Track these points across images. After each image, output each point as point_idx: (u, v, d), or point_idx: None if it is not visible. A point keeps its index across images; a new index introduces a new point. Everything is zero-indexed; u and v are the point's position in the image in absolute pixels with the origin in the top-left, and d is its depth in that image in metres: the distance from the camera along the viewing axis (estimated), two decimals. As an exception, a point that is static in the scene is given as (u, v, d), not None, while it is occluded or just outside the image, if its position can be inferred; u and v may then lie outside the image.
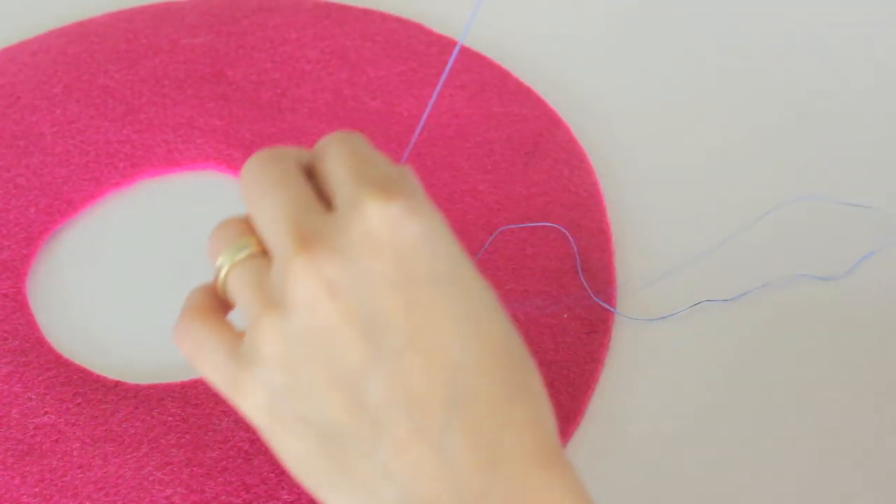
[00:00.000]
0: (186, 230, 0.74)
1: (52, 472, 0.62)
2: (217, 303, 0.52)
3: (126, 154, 0.76)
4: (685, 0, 0.84)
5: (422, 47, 0.80)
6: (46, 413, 0.64)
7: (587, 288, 0.67)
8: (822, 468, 0.61)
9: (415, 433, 0.45)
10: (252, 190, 0.50)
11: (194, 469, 0.61)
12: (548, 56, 0.81)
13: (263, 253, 0.49)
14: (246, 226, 0.51)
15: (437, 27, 0.82)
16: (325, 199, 0.49)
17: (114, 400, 0.65)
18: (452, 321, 0.46)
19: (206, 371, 0.50)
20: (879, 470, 0.61)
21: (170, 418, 0.64)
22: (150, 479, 0.61)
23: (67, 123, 0.78)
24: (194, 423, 0.63)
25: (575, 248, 0.69)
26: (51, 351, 0.68)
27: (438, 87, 0.64)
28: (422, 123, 0.66)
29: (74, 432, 0.64)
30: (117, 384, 0.66)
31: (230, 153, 0.76)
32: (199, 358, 0.50)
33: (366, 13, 0.83)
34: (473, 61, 0.79)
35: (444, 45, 0.81)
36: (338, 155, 0.49)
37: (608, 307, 0.67)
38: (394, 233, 0.46)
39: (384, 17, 0.82)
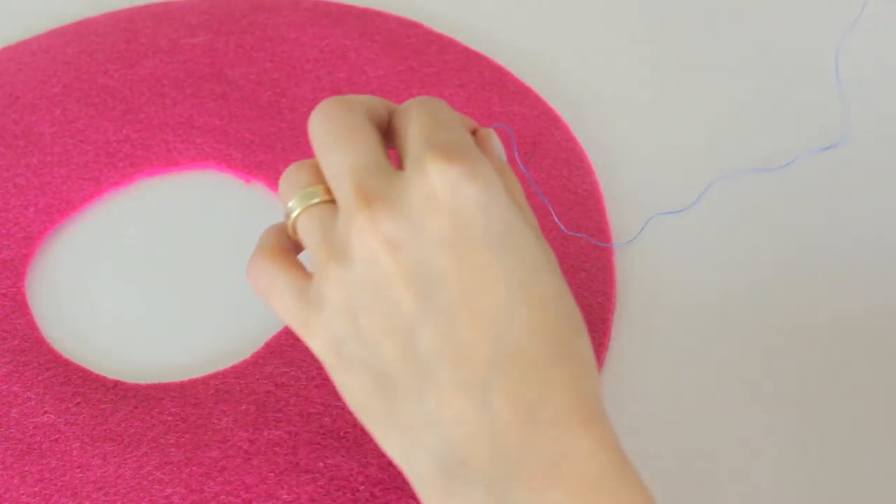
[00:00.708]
0: (186, 229, 0.74)
1: (51, 472, 0.62)
2: (289, 242, 0.55)
3: (125, 154, 0.76)
4: (684, 1, 0.83)
5: (421, 46, 0.80)
6: (46, 413, 0.64)
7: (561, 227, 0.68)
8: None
9: (459, 387, 0.48)
10: (322, 139, 0.53)
11: (193, 468, 0.61)
12: (547, 56, 0.80)
13: (331, 201, 0.53)
14: (316, 172, 0.54)
15: (437, 26, 0.82)
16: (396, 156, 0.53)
17: (113, 399, 0.65)
18: (502, 283, 0.48)
19: (278, 309, 0.54)
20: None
21: (169, 418, 0.64)
22: (150, 478, 0.61)
23: (67, 123, 0.78)
24: (193, 422, 0.63)
25: (516, 149, 0.70)
26: (50, 350, 0.68)
27: None
28: None
29: (74, 432, 0.64)
30: (117, 384, 0.66)
31: (229, 153, 0.76)
32: (271, 296, 0.54)
33: (365, 12, 0.83)
34: (473, 60, 0.79)
35: (443, 44, 0.81)
36: (416, 115, 0.52)
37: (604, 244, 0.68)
38: (452, 195, 0.49)
39: (383, 17, 0.82)
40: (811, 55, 0.79)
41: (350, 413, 0.62)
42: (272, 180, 0.74)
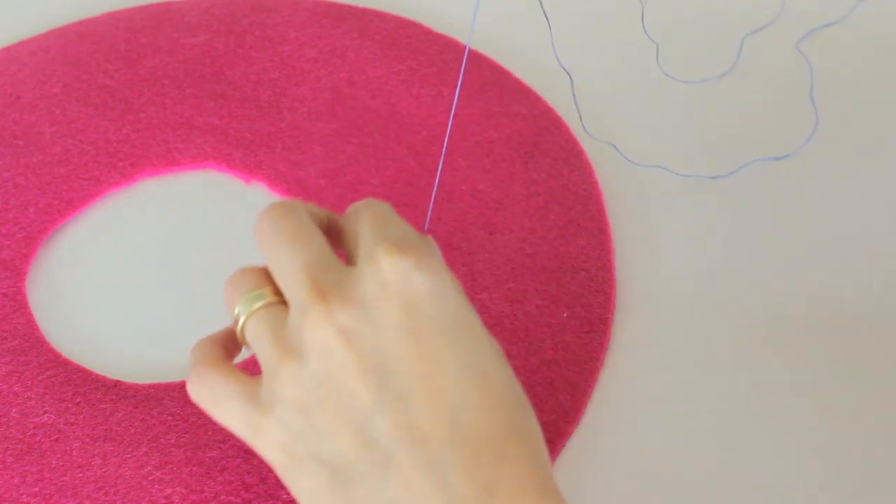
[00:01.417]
0: (186, 229, 0.74)
1: (51, 472, 0.62)
2: (224, 351, 0.56)
3: (125, 153, 0.76)
4: (684, 3, 0.83)
5: (421, 46, 0.80)
6: (46, 412, 0.64)
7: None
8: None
9: (417, 467, 0.48)
10: (270, 241, 0.54)
11: (194, 468, 0.61)
12: (547, 56, 0.80)
13: (280, 302, 0.53)
14: (261, 275, 0.54)
15: (436, 26, 0.82)
16: (343, 257, 0.54)
17: (113, 399, 0.65)
18: (456, 367, 0.49)
19: (225, 417, 0.54)
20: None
21: (169, 418, 0.64)
22: (150, 478, 0.61)
23: (67, 123, 0.78)
24: (194, 422, 0.63)
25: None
26: (50, 350, 0.68)
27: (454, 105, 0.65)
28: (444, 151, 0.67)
29: (74, 432, 0.63)
30: (117, 384, 0.66)
31: (229, 152, 0.76)
32: (217, 405, 0.54)
33: (364, 12, 0.83)
34: (473, 60, 0.79)
35: (443, 44, 0.81)
36: (365, 215, 0.54)
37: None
38: (405, 284, 0.50)
39: (383, 17, 0.82)
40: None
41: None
42: (273, 180, 0.74)
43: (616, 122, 0.77)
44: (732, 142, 0.75)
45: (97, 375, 0.67)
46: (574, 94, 0.76)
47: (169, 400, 0.65)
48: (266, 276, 0.54)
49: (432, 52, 0.80)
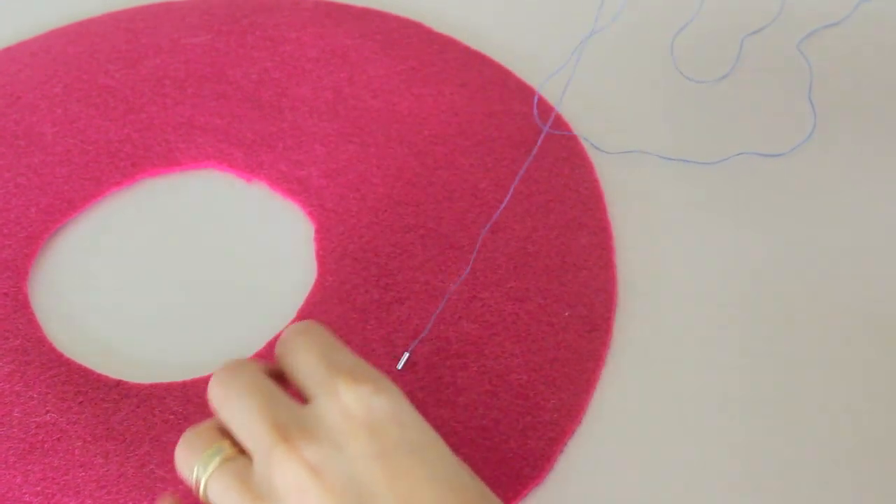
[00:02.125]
0: (187, 229, 0.74)
1: (54, 471, 0.62)
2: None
3: (126, 153, 0.76)
4: (684, 4, 0.84)
5: (422, 46, 0.80)
6: (48, 412, 0.64)
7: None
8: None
9: None
10: (223, 397, 0.54)
11: None
12: (548, 55, 0.81)
13: (239, 454, 0.53)
14: (214, 430, 0.54)
15: (437, 26, 0.82)
16: (296, 396, 0.54)
17: (115, 399, 0.65)
18: (430, 482, 0.50)
19: None
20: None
21: (171, 416, 0.64)
22: (152, 476, 0.61)
23: (68, 123, 0.78)
24: (195, 420, 0.63)
25: None
26: (52, 350, 0.68)
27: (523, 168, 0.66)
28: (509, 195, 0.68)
29: (76, 431, 0.63)
30: (119, 383, 0.66)
31: (231, 152, 0.76)
32: None
33: (366, 12, 0.83)
34: (473, 60, 0.80)
35: (443, 43, 0.81)
36: (305, 347, 0.54)
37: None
38: (368, 411, 0.51)
39: (384, 17, 0.83)
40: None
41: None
42: (273, 179, 0.74)
43: (617, 121, 0.77)
44: (732, 141, 0.75)
45: (99, 375, 0.67)
46: (574, 94, 0.77)
47: (171, 399, 0.65)
48: (220, 430, 0.54)
49: (433, 52, 0.80)
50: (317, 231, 0.71)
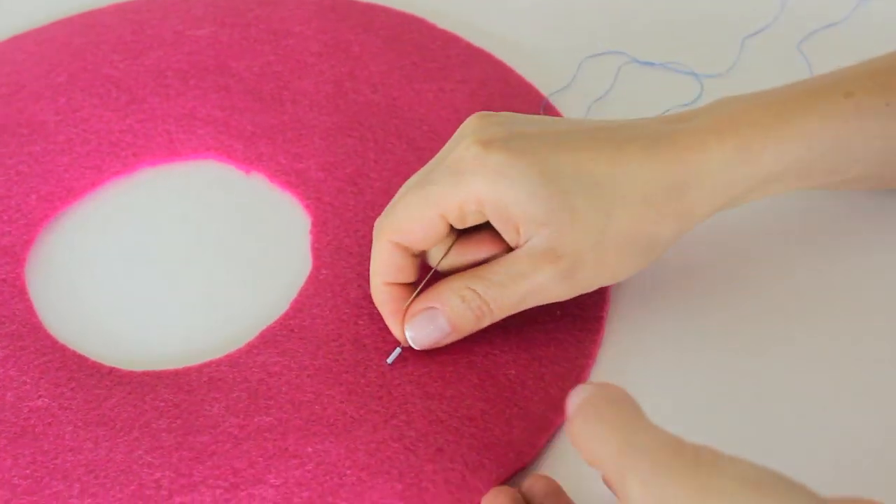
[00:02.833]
0: (185, 219, 0.75)
1: (43, 455, 0.62)
2: None
3: (127, 143, 0.77)
4: (684, 4, 0.84)
5: (424, 42, 0.80)
6: (41, 397, 0.65)
7: None
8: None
9: None
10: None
11: (184, 453, 0.61)
12: (550, 52, 0.81)
13: None
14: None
15: (441, 22, 0.82)
16: None
17: (108, 385, 0.65)
18: None
19: None
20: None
21: (161, 404, 0.64)
22: (140, 462, 0.61)
23: (71, 112, 0.78)
24: (186, 408, 0.63)
25: None
26: (47, 336, 0.68)
27: None
28: None
29: (67, 416, 0.64)
30: (112, 370, 0.66)
31: (230, 143, 0.76)
32: None
33: (369, 7, 0.83)
34: (475, 57, 0.80)
35: (445, 39, 0.81)
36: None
37: None
38: None
39: (387, 12, 0.83)
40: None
41: (341, 401, 0.62)
42: (272, 171, 0.75)
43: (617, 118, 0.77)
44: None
45: (92, 362, 0.67)
46: (576, 92, 0.77)
47: (162, 387, 0.65)
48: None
49: (435, 48, 0.80)
50: (313, 224, 0.72)
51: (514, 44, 0.81)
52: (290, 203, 0.74)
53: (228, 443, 0.61)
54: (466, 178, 0.59)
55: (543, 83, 0.78)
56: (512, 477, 0.61)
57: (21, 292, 0.71)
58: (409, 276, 0.63)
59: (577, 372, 0.64)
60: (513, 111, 0.74)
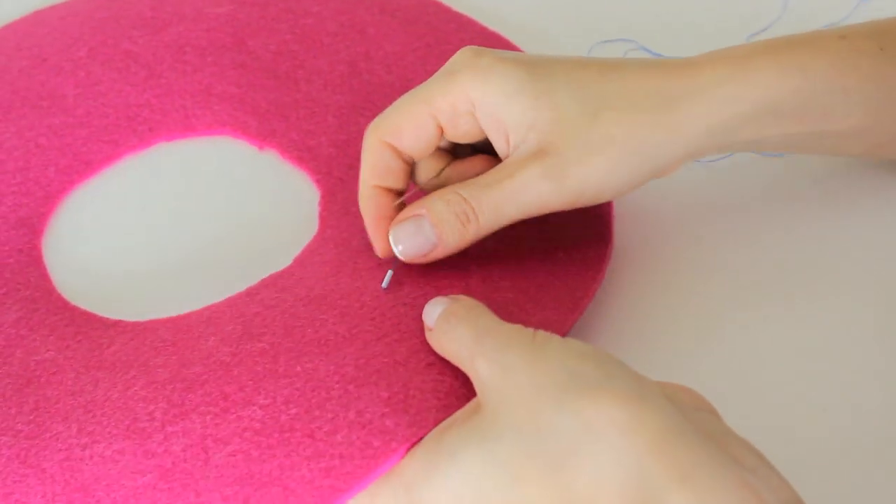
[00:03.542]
0: (200, 193, 0.76)
1: (46, 401, 0.63)
2: None
3: (144, 118, 0.78)
4: (686, 4, 0.84)
5: (440, 24, 0.81)
6: (48, 350, 0.65)
7: None
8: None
9: None
10: None
11: (177, 384, 0.61)
12: (563, 37, 0.82)
13: None
14: None
15: (455, 5, 0.83)
16: None
17: (111, 335, 0.66)
18: None
19: None
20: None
21: (160, 344, 0.64)
22: (135, 397, 0.61)
23: (90, 86, 0.79)
24: (182, 345, 0.64)
25: None
26: (59, 298, 0.69)
27: None
28: None
29: (70, 364, 0.64)
30: (117, 322, 0.67)
31: (245, 119, 0.77)
32: None
33: (388, -11, 0.84)
34: (489, 40, 0.80)
35: (461, 22, 0.82)
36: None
37: None
38: None
39: (406, -6, 0.84)
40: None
41: (334, 323, 0.62)
42: (284, 147, 0.76)
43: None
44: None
45: (99, 317, 0.68)
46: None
47: (163, 330, 0.65)
48: None
49: (450, 30, 0.81)
50: (322, 196, 0.72)
51: (528, 28, 0.82)
52: (301, 178, 0.75)
53: (220, 370, 0.61)
54: (457, 77, 0.60)
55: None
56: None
57: (37, 261, 0.72)
58: (398, 182, 0.63)
59: (573, 302, 0.64)
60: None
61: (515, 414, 0.51)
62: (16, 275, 0.70)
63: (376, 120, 0.63)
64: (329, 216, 0.71)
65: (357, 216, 0.69)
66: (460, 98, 0.60)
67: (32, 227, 0.73)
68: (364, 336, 0.61)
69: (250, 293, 0.66)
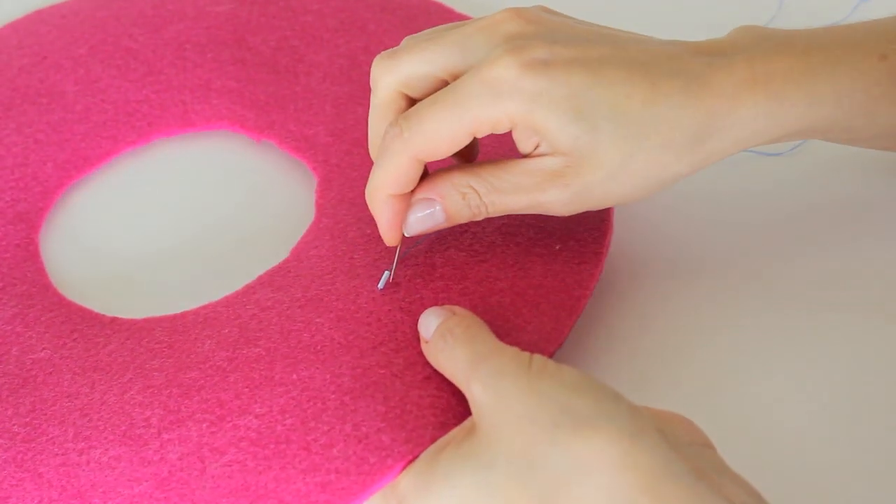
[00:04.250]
0: (197, 187, 0.76)
1: (42, 403, 0.63)
2: None
3: (143, 113, 0.78)
4: (682, 2, 0.84)
5: (439, 22, 0.80)
6: (44, 349, 0.65)
7: None
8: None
9: None
10: None
11: (173, 390, 0.61)
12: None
13: None
14: None
15: (456, 5, 0.83)
16: None
17: (108, 334, 0.66)
18: None
19: None
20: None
21: (156, 346, 0.64)
22: (132, 402, 0.61)
23: (90, 83, 0.79)
24: (178, 347, 0.64)
25: None
26: (56, 294, 0.69)
27: None
28: None
29: (67, 364, 0.64)
30: (113, 320, 0.67)
31: (244, 113, 0.77)
32: None
33: (389, -11, 0.84)
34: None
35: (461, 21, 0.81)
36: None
37: None
38: None
39: (407, -6, 0.83)
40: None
41: (329, 328, 0.62)
42: (282, 138, 0.75)
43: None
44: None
45: (95, 313, 0.68)
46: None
47: (160, 331, 0.65)
48: None
49: (450, 28, 0.81)
50: (319, 183, 0.72)
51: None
52: (299, 167, 0.75)
53: (216, 376, 0.61)
54: (503, 99, 0.58)
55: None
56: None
57: (34, 256, 0.72)
58: (413, 185, 0.61)
59: (572, 301, 0.63)
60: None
61: (509, 443, 0.51)
62: (12, 270, 0.70)
63: (407, 133, 0.59)
64: (326, 204, 0.71)
65: (353, 204, 0.70)
66: (504, 119, 0.58)
67: (30, 222, 0.73)
68: (360, 344, 0.61)
69: (247, 292, 0.66)
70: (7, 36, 0.84)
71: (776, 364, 0.63)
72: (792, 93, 0.60)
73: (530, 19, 0.60)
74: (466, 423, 0.55)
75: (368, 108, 0.65)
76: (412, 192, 0.61)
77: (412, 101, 0.61)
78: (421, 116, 0.59)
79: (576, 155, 0.58)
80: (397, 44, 0.78)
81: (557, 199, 0.59)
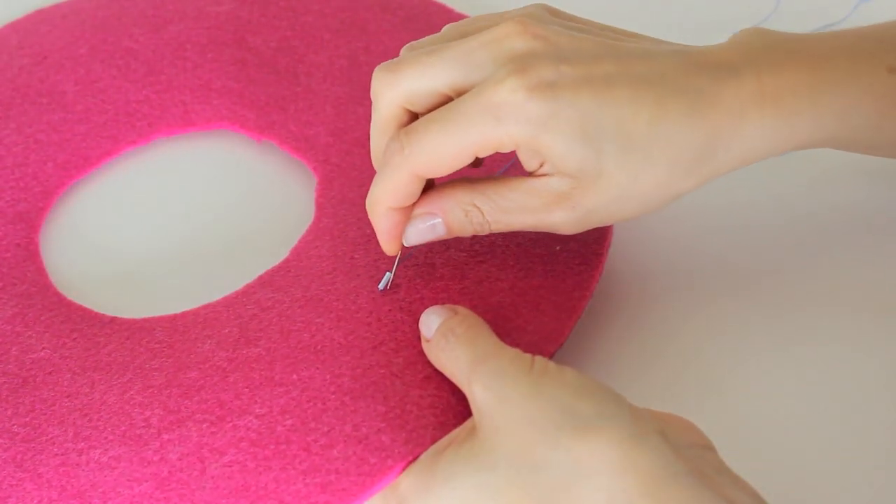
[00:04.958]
0: (198, 187, 0.76)
1: (42, 403, 0.63)
2: None
3: (143, 113, 0.78)
4: (679, 2, 0.84)
5: (439, 22, 0.80)
6: (43, 349, 0.65)
7: None
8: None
9: None
10: None
11: (173, 390, 0.61)
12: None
13: None
14: None
15: (457, 6, 0.83)
16: None
17: (107, 333, 0.66)
18: None
19: None
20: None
21: (156, 346, 0.64)
22: (132, 402, 0.61)
23: (90, 83, 0.79)
24: (178, 347, 0.64)
25: None
26: (56, 294, 0.69)
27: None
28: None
29: (66, 364, 0.64)
30: (113, 319, 0.67)
31: (244, 113, 0.77)
32: None
33: (390, -10, 0.84)
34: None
35: (462, 21, 0.81)
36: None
37: None
38: None
39: (408, -5, 0.83)
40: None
41: (329, 328, 0.62)
42: (283, 138, 0.75)
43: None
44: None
45: (95, 313, 0.68)
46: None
47: (160, 331, 0.65)
48: None
49: (450, 29, 0.81)
50: (319, 183, 0.72)
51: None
52: (299, 167, 0.75)
53: (216, 376, 0.61)
54: (508, 123, 0.57)
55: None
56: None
57: (34, 255, 0.72)
58: (414, 199, 0.61)
59: (572, 302, 0.63)
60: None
61: (510, 445, 0.52)
62: (12, 270, 0.70)
63: (408, 150, 0.59)
64: (325, 204, 0.71)
65: (353, 203, 0.70)
66: (507, 142, 0.58)
67: (30, 222, 0.73)
68: (360, 344, 0.61)
69: (247, 292, 0.66)
70: (7, 36, 0.84)
71: (776, 366, 0.63)
72: (800, 108, 0.59)
73: (536, 34, 0.59)
74: (467, 423, 0.55)
75: (369, 108, 0.65)
76: (414, 204, 0.61)
77: (415, 115, 0.61)
78: (422, 135, 0.58)
79: (582, 177, 0.58)
80: (397, 44, 0.79)
81: (564, 222, 0.59)
